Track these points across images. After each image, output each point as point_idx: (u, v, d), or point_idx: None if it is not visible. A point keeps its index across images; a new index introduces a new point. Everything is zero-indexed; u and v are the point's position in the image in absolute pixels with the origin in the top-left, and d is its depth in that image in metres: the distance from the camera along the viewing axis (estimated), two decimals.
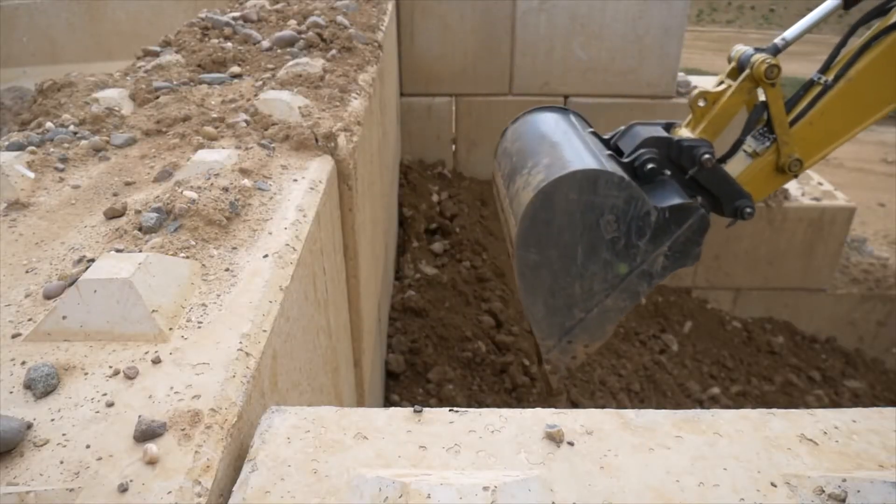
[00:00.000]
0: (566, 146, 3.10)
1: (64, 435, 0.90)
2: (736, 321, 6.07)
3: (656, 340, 5.55)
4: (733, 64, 3.12)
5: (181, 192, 1.45)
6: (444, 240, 5.18)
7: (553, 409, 1.02)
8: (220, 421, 0.95)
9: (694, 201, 2.88)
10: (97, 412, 0.94)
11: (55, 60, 6.22)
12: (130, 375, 1.01)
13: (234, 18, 3.18)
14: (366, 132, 2.36)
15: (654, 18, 5.43)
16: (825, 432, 0.98)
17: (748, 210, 3.09)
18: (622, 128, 3.32)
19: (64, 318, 1.10)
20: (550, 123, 3.37)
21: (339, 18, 3.14)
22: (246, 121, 1.98)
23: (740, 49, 3.09)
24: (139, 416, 0.92)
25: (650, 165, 2.99)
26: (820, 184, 6.15)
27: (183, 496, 0.82)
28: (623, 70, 5.65)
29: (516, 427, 0.98)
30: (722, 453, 0.93)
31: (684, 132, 3.23)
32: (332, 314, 1.86)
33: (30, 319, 1.14)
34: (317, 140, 1.87)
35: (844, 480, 0.85)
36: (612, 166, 2.89)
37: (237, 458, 0.96)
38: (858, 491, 0.83)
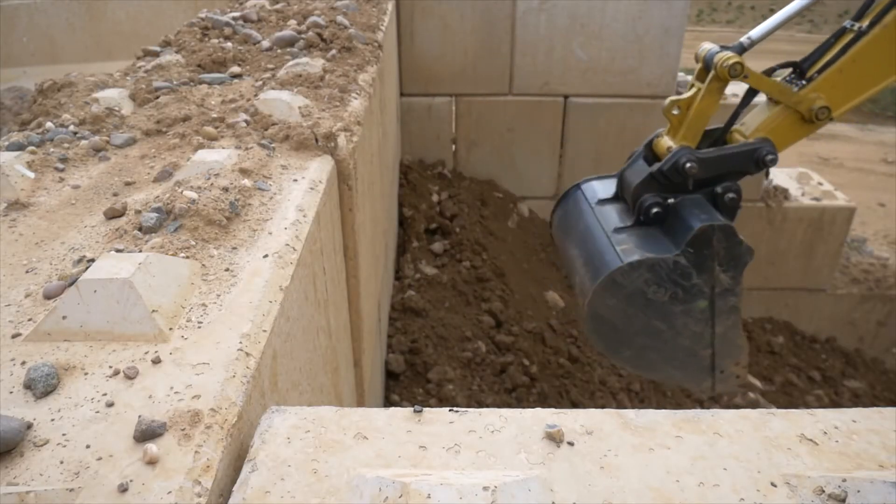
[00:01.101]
0: (579, 258, 3.33)
1: (64, 435, 0.90)
2: None
3: None
4: (700, 65, 3.12)
5: (181, 192, 1.45)
6: (444, 240, 5.18)
7: (553, 410, 1.02)
8: (220, 421, 0.95)
9: (703, 225, 2.93)
10: (97, 412, 0.94)
11: (55, 60, 6.22)
12: (130, 375, 1.01)
13: (234, 18, 3.18)
14: (366, 132, 2.36)
15: (654, 18, 5.43)
16: (825, 432, 0.98)
17: (769, 157, 3.09)
18: (623, 169, 3.38)
19: (64, 318, 1.10)
20: (564, 225, 3.63)
21: (339, 18, 3.14)
22: (246, 121, 1.98)
23: (705, 48, 3.08)
24: (139, 416, 0.92)
25: (654, 210, 3.09)
26: (820, 184, 6.15)
27: (183, 496, 0.82)
28: (623, 70, 5.65)
29: (516, 427, 0.98)
30: (722, 453, 0.93)
31: (665, 142, 3.26)
32: (332, 314, 1.86)
33: (30, 319, 1.14)
34: (317, 140, 1.87)
35: (844, 480, 0.85)
36: (621, 248, 3.05)
37: (237, 458, 0.96)
38: (858, 491, 0.83)
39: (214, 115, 2.02)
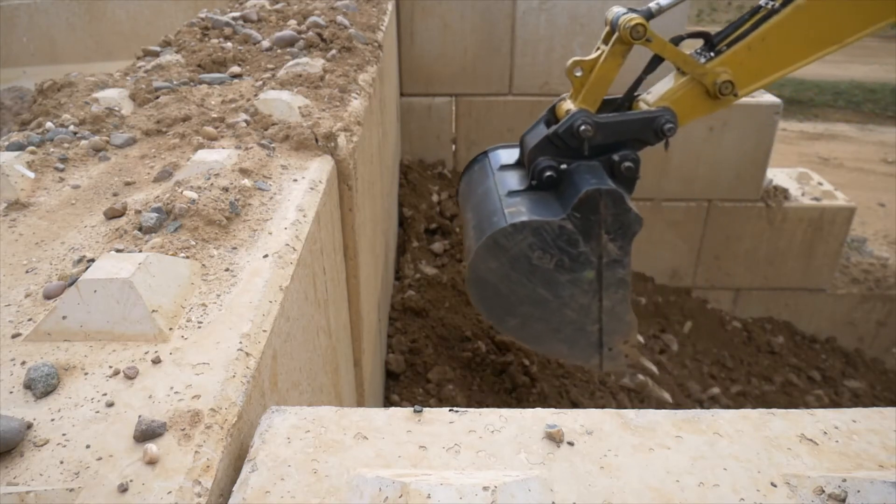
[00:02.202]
0: (472, 221, 3.23)
1: (64, 435, 0.90)
2: (736, 321, 6.07)
3: (656, 340, 5.55)
4: (607, 28, 3.03)
5: (181, 192, 1.45)
6: (444, 240, 5.18)
7: (553, 410, 1.02)
8: (220, 421, 0.95)
9: (589, 189, 2.82)
10: (97, 412, 0.94)
11: (55, 60, 6.22)
12: (130, 375, 1.01)
13: (234, 18, 3.18)
14: (366, 132, 2.36)
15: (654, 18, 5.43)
16: (825, 432, 0.98)
17: (668, 126, 3.00)
18: (525, 133, 3.30)
19: (64, 318, 1.10)
20: (466, 191, 3.53)
21: (339, 18, 3.14)
22: (246, 121, 1.98)
23: (613, 10, 2.99)
24: (139, 416, 0.92)
25: (546, 174, 3.00)
26: (820, 184, 6.15)
27: (183, 496, 0.82)
28: (623, 70, 5.65)
29: (516, 427, 0.98)
30: (722, 453, 0.93)
31: (566, 105, 3.15)
32: (332, 314, 1.86)
33: (30, 319, 1.14)
34: (317, 140, 1.87)
35: (844, 480, 0.85)
36: (508, 209, 2.96)
37: (237, 458, 0.96)
38: (858, 491, 0.83)
39: (214, 115, 2.02)
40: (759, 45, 2.93)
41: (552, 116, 3.24)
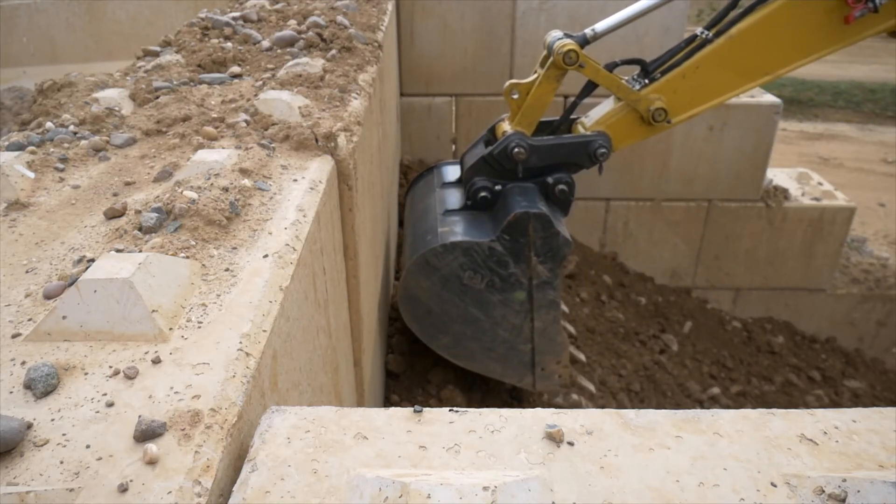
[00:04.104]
0: (409, 238, 3.25)
1: (64, 435, 0.90)
2: (736, 321, 6.07)
3: (656, 340, 5.55)
4: (545, 52, 3.05)
5: (181, 192, 1.45)
6: None
7: (553, 409, 1.02)
8: (220, 421, 0.95)
9: (517, 212, 2.85)
10: (97, 412, 0.94)
11: (55, 60, 6.22)
12: (130, 375, 1.01)
13: (234, 18, 3.18)
14: (366, 132, 2.36)
15: (654, 18, 5.43)
16: (825, 432, 0.98)
17: (601, 151, 3.02)
18: (464, 152, 3.34)
19: (64, 318, 1.10)
20: (410, 205, 3.58)
21: (339, 18, 3.14)
22: (246, 121, 1.98)
23: (551, 34, 3.02)
24: (139, 416, 0.92)
25: (481, 195, 3.04)
26: (820, 184, 6.15)
27: (183, 496, 0.82)
28: (623, 70, 5.65)
29: (516, 427, 0.98)
30: (722, 453, 0.93)
31: (504, 126, 3.17)
32: (332, 314, 1.86)
33: (30, 319, 1.14)
34: (317, 140, 1.87)
35: (844, 480, 0.85)
36: (442, 227, 3.00)
37: (237, 458, 0.96)
38: (858, 491, 0.83)
39: (214, 115, 2.02)
40: (693, 74, 2.97)
41: (492, 136, 3.29)
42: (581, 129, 3.16)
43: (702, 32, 2.99)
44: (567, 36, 2.93)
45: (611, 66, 3.02)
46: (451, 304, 3.03)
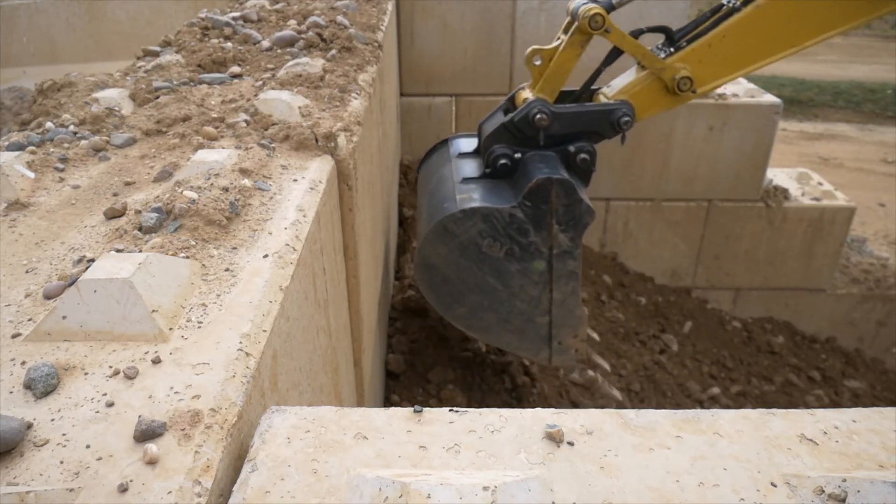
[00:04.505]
0: (425, 207, 3.18)
1: (64, 435, 0.90)
2: (736, 321, 6.07)
3: (656, 340, 5.55)
4: (568, 18, 3.01)
5: (181, 192, 1.45)
6: None
7: (553, 409, 1.02)
8: (220, 421, 0.95)
9: (540, 177, 2.79)
10: (97, 412, 0.94)
11: (55, 60, 6.22)
12: (130, 375, 1.01)
13: (234, 18, 3.18)
14: (366, 132, 2.36)
15: (655, 18, 5.43)
16: (825, 432, 0.98)
17: (625, 119, 2.97)
18: (482, 121, 3.27)
19: (64, 318, 1.10)
20: (426, 177, 3.49)
21: (339, 18, 3.14)
22: (246, 121, 1.98)
23: (574, 1, 2.97)
24: (139, 416, 0.92)
25: (500, 162, 2.97)
26: (820, 184, 6.15)
27: (183, 496, 0.82)
28: (623, 69, 5.65)
29: (516, 427, 0.98)
30: (722, 453, 0.93)
31: (525, 94, 3.12)
32: (332, 314, 1.86)
33: (30, 319, 1.14)
34: (317, 140, 1.87)
35: (844, 480, 0.85)
36: (461, 195, 2.94)
37: (237, 458, 0.96)
38: (858, 491, 0.83)
39: (214, 115, 2.02)
40: (719, 43, 2.92)
41: (511, 105, 3.22)
42: (603, 99, 3.11)
43: (729, 1, 2.95)
44: (591, 1, 2.89)
45: (636, 34, 2.97)
46: (469, 273, 2.97)
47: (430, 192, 3.26)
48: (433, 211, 3.03)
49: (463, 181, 3.05)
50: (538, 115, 2.90)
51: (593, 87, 3.23)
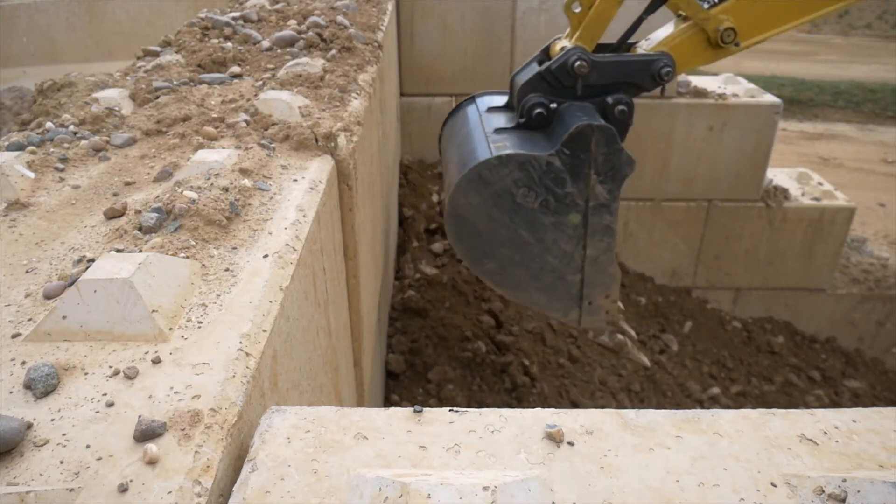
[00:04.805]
0: (455, 159, 3.05)
1: (64, 435, 0.90)
2: (736, 321, 6.07)
3: (656, 340, 5.55)
4: None
5: (181, 192, 1.45)
6: (444, 240, 5.18)
7: (553, 409, 1.02)
8: (220, 421, 0.95)
9: (580, 124, 2.69)
10: (97, 412, 0.94)
11: (55, 60, 6.22)
12: (130, 375, 1.01)
13: (234, 18, 3.18)
14: (366, 132, 2.36)
15: (655, 18, 5.43)
16: (825, 432, 0.98)
17: (664, 70, 2.89)
18: (515, 73, 3.16)
19: (64, 318, 1.10)
20: (453, 131, 3.36)
21: (339, 18, 3.14)
22: (246, 121, 1.98)
23: None
24: (139, 416, 0.92)
25: (536, 111, 2.86)
26: (820, 184, 6.15)
27: (183, 496, 0.82)
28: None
29: (516, 427, 0.98)
30: (722, 453, 0.93)
31: (561, 43, 3.03)
32: (332, 314, 1.86)
33: (30, 319, 1.14)
34: (317, 140, 1.87)
35: (844, 480, 0.85)
36: (495, 144, 2.81)
37: (237, 458, 0.96)
38: (858, 491, 0.83)
39: (214, 115, 2.02)
40: None
41: (545, 56, 3.12)
42: (641, 52, 3.03)
43: None
44: None
45: None
46: (501, 225, 2.86)
47: (458, 145, 3.11)
48: (464, 159, 2.89)
49: (496, 131, 2.93)
50: (577, 63, 2.80)
51: (630, 41, 3.13)
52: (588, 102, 2.90)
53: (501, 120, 3.08)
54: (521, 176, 2.76)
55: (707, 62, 3.03)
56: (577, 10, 2.94)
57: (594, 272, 3.04)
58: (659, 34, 3.09)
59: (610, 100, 2.90)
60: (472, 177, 2.75)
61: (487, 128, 3.00)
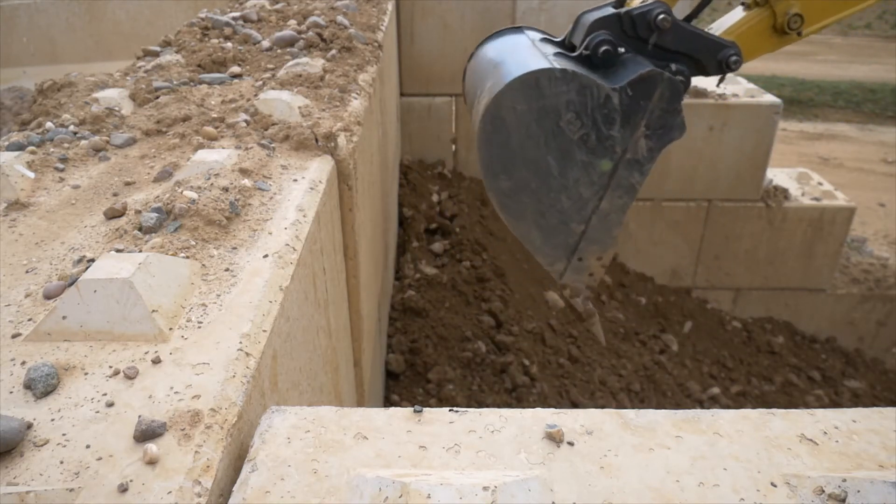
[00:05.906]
0: (508, 61, 2.90)
1: (64, 435, 0.90)
2: (736, 321, 6.07)
3: (656, 340, 5.55)
4: None
5: (181, 192, 1.45)
6: (444, 240, 5.18)
7: (553, 409, 1.02)
8: (220, 421, 0.95)
9: (655, 69, 2.63)
10: (97, 412, 0.94)
11: (55, 60, 6.22)
12: (130, 375, 1.01)
13: (234, 18, 3.18)
14: (366, 132, 2.36)
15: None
16: (825, 432, 0.98)
17: (733, 58, 2.84)
18: (582, 13, 3.04)
19: (64, 318, 1.10)
20: (498, 46, 3.19)
21: (339, 18, 3.14)
22: (246, 121, 1.98)
23: None
24: (139, 416, 0.92)
25: (604, 48, 2.74)
26: (820, 184, 6.15)
27: (183, 496, 0.82)
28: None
29: (516, 427, 0.98)
30: (722, 453, 0.93)
31: (637, 1, 2.95)
32: (332, 314, 1.86)
33: (30, 319, 1.14)
34: (317, 140, 1.87)
35: (844, 480, 0.85)
36: (557, 62, 2.69)
37: (237, 458, 0.96)
38: (858, 491, 0.83)
39: (214, 115, 2.02)
40: None
41: (620, 3, 3.08)
42: None
43: None
44: None
45: None
46: (534, 144, 2.75)
47: (503, 60, 2.92)
48: (517, 66, 2.72)
49: (555, 55, 2.79)
50: (661, 16, 2.71)
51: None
52: (650, 62, 2.83)
53: (559, 51, 2.94)
54: (576, 99, 2.66)
55: (771, 50, 3.01)
56: None
57: (599, 228, 2.98)
58: (723, 22, 3.06)
59: (673, 67, 2.82)
60: (529, 81, 2.60)
61: (543, 51, 2.87)
